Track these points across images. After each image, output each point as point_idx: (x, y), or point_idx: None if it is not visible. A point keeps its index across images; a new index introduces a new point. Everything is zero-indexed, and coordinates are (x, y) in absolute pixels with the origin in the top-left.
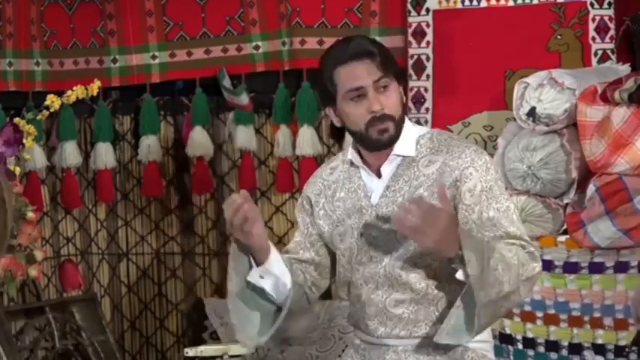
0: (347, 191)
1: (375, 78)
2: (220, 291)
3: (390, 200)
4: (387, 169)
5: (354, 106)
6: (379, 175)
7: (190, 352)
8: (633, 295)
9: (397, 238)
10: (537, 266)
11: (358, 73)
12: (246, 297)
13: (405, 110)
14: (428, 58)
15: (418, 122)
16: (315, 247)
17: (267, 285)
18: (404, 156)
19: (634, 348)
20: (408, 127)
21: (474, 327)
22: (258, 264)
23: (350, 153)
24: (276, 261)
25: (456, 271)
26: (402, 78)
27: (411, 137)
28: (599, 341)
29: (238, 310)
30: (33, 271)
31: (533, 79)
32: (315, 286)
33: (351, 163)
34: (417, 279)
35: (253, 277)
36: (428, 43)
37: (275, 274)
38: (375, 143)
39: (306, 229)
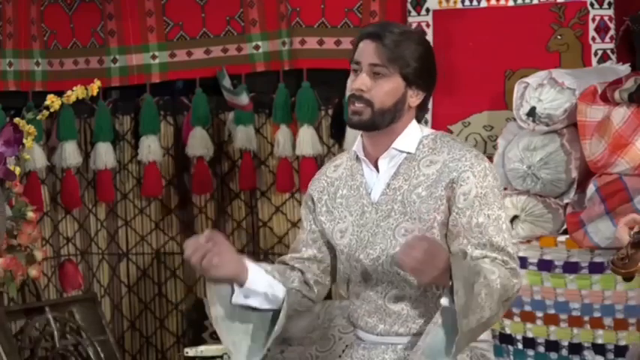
0: (349, 188)
1: (372, 61)
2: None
3: (389, 198)
4: (384, 163)
5: (350, 78)
6: (378, 170)
7: (190, 352)
8: (630, 350)
9: (396, 236)
10: (517, 284)
11: (363, 49)
12: (234, 318)
13: (418, 116)
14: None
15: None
16: (318, 243)
17: (255, 302)
18: (403, 151)
19: None
20: (414, 127)
21: (452, 351)
22: (240, 285)
23: (356, 144)
24: (257, 278)
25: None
26: (417, 82)
27: (414, 136)
28: (599, 341)
29: (229, 332)
30: (33, 271)
31: (533, 79)
32: (318, 284)
33: (356, 158)
34: None
35: (238, 298)
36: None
37: (260, 291)
38: (348, 122)
39: (309, 226)
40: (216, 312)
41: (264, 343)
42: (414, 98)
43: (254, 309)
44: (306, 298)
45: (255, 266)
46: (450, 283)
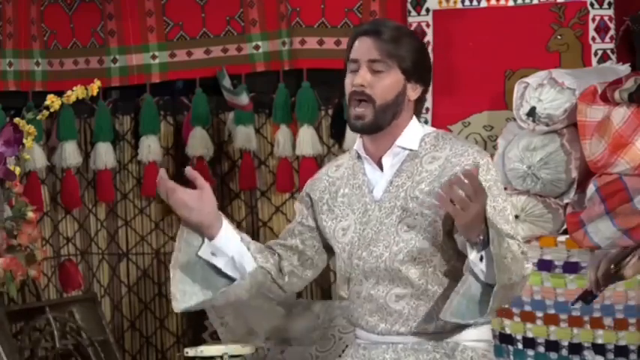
0: (351, 187)
1: (371, 57)
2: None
3: (392, 195)
4: (388, 161)
5: (348, 78)
6: (381, 168)
7: (190, 352)
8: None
9: (399, 232)
10: (529, 267)
11: (359, 47)
12: (194, 269)
13: (417, 111)
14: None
15: (418, 119)
16: (303, 236)
17: (220, 263)
18: (406, 149)
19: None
20: (415, 124)
21: (488, 308)
22: (210, 239)
23: (357, 143)
24: (229, 239)
25: (454, 269)
26: (415, 76)
27: (416, 133)
28: (599, 341)
29: (183, 280)
30: (33, 271)
31: (533, 79)
32: (293, 275)
33: (358, 157)
34: (416, 274)
35: (205, 252)
36: (428, 43)
37: (228, 254)
38: (351, 126)
39: (300, 218)
40: (177, 256)
41: (210, 299)
42: (413, 92)
43: (217, 271)
44: (275, 284)
45: (232, 229)
46: (481, 237)
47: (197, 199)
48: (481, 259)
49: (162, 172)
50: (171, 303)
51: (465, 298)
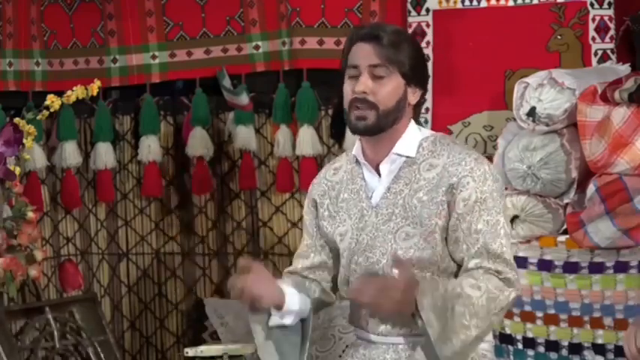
0: (350, 192)
1: (372, 62)
2: (220, 291)
3: (390, 202)
4: (386, 167)
5: (347, 84)
6: (379, 173)
7: (190, 352)
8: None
9: (397, 239)
10: (512, 292)
11: (359, 52)
12: (271, 338)
13: (416, 116)
14: (428, 58)
15: (417, 122)
16: (326, 250)
17: (288, 321)
18: (404, 156)
19: None
20: (413, 129)
21: None
22: (278, 309)
23: (355, 148)
24: (292, 300)
25: (452, 275)
26: (414, 80)
27: (414, 139)
28: (599, 341)
29: (270, 353)
30: (33, 271)
31: (533, 79)
32: (332, 290)
33: (356, 161)
34: None
35: (275, 321)
36: (428, 43)
37: (294, 310)
38: (353, 128)
39: (315, 231)
40: (257, 338)
41: (299, 354)
42: (413, 96)
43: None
44: (325, 303)
45: (288, 288)
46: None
47: (260, 285)
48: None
49: (237, 280)
50: None
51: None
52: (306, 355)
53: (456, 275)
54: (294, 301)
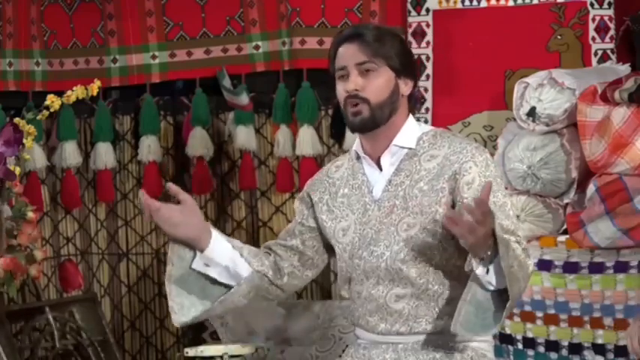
0: (351, 187)
1: (358, 60)
2: None
3: (392, 194)
4: (386, 160)
5: (339, 85)
6: (380, 167)
7: (190, 352)
8: (629, 329)
9: (399, 231)
10: (531, 264)
11: (344, 53)
12: (189, 282)
13: (411, 108)
14: (428, 58)
15: (415, 116)
16: (304, 236)
17: (214, 273)
18: (404, 147)
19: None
20: (412, 122)
21: (501, 317)
22: (200, 251)
23: (355, 144)
24: (220, 249)
25: (456, 268)
26: (404, 71)
27: (413, 132)
28: (599, 341)
29: (179, 293)
30: (33, 271)
31: (533, 79)
32: (291, 276)
33: (357, 157)
34: (417, 273)
35: (198, 264)
36: (428, 43)
37: (221, 263)
38: (350, 124)
39: (301, 218)
40: (171, 271)
41: (208, 309)
42: (406, 87)
43: (213, 280)
44: (274, 285)
45: (222, 238)
46: (488, 252)
47: (181, 213)
48: (487, 271)
49: (142, 193)
50: (171, 317)
51: (472, 305)
52: (204, 310)
53: (460, 265)
54: (224, 254)
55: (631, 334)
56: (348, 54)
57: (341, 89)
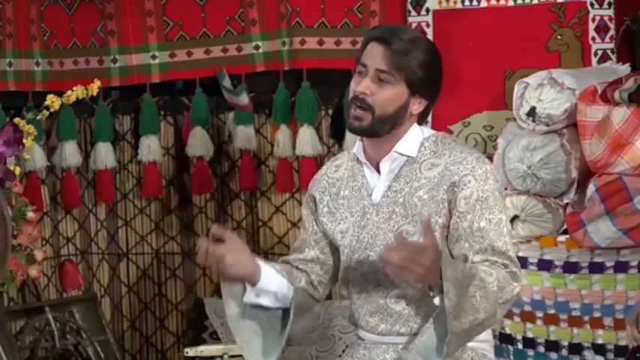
0: (351, 189)
1: (378, 66)
2: (220, 291)
3: (391, 200)
4: (386, 166)
5: (354, 79)
6: (379, 172)
7: (190, 352)
8: (628, 317)
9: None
10: (517, 286)
11: (371, 52)
12: (245, 317)
13: (419, 122)
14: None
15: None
16: (320, 245)
17: (265, 301)
18: (404, 155)
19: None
20: (415, 130)
21: (442, 352)
22: (252, 285)
23: (356, 146)
24: (269, 277)
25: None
26: (421, 90)
27: (416, 139)
28: (599, 341)
29: (242, 331)
30: (33, 271)
31: (533, 79)
32: (321, 285)
33: (357, 160)
34: None
35: (249, 297)
36: None
37: (270, 290)
38: (349, 125)
39: (311, 226)
40: (229, 311)
41: (277, 342)
42: (417, 106)
43: (263, 308)
44: (312, 297)
45: (267, 265)
46: (440, 283)
47: (233, 254)
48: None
49: (204, 242)
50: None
51: (429, 338)
52: (282, 347)
53: None
54: (272, 281)
55: (631, 322)
56: (373, 55)
57: (354, 85)
